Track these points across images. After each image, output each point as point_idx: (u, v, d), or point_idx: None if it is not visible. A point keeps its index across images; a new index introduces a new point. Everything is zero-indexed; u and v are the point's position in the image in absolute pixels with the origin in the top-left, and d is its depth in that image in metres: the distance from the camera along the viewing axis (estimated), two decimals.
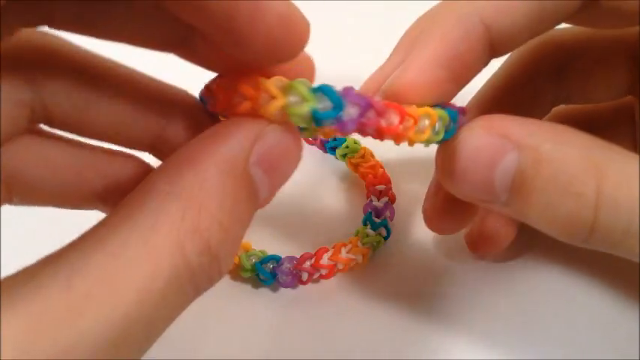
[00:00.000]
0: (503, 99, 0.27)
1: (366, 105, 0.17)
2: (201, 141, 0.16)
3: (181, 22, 0.16)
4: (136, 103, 0.19)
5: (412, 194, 0.31)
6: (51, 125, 0.18)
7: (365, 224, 0.29)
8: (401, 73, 0.20)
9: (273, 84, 0.16)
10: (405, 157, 0.33)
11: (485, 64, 0.22)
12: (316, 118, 0.16)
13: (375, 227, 0.29)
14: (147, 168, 0.20)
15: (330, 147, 0.33)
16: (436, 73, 0.20)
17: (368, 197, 0.31)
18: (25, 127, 0.18)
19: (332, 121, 0.16)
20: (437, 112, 0.19)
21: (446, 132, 0.20)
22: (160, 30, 0.18)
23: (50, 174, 0.18)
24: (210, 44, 0.18)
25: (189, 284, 0.14)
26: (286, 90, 0.16)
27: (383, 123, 0.17)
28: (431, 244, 0.30)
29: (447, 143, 0.20)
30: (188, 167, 0.15)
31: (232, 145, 0.15)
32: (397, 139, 0.18)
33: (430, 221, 0.26)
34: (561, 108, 0.29)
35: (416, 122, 0.18)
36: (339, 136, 0.18)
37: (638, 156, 0.18)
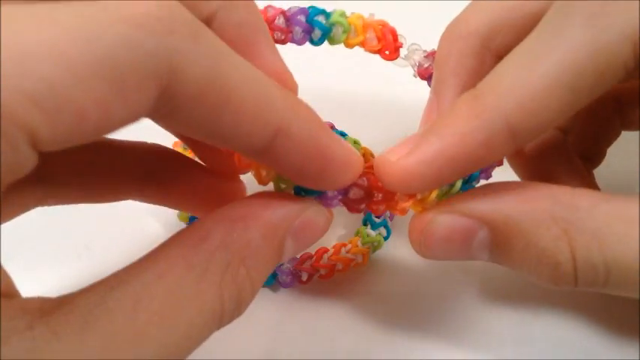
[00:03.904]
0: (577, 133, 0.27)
1: (344, 192, 0.21)
2: (255, 202, 0.18)
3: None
4: (122, 162, 0.21)
5: None
6: (53, 190, 0.20)
7: (365, 224, 0.29)
8: (400, 157, 0.19)
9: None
10: None
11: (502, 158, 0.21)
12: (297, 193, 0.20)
13: (375, 227, 0.29)
14: (175, 155, 0.22)
15: None
16: (440, 170, 0.19)
17: None
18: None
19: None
20: None
21: (465, 183, 0.21)
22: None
23: (87, 175, 0.21)
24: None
25: (217, 323, 0.17)
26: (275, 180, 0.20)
27: (362, 206, 0.21)
28: None
29: (417, 223, 0.21)
30: (240, 224, 0.17)
31: (279, 216, 0.18)
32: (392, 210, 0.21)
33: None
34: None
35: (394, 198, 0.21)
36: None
37: (602, 201, 0.19)
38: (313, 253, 0.28)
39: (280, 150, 0.17)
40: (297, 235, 0.19)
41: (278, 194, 0.19)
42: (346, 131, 0.34)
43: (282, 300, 0.28)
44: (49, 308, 0.14)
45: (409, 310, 0.27)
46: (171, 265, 0.16)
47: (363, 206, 0.21)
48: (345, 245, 0.28)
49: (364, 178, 0.20)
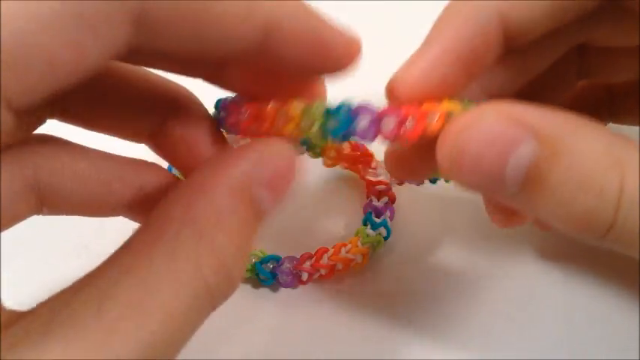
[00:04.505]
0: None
1: (376, 116, 0.18)
2: (210, 166, 0.17)
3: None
4: (139, 95, 0.20)
5: (412, 194, 0.31)
6: (66, 119, 0.20)
7: (365, 224, 0.29)
8: (406, 69, 0.20)
9: (293, 107, 0.18)
10: None
11: (499, 58, 0.21)
12: (326, 133, 0.18)
13: (375, 227, 0.29)
14: (168, 176, 0.21)
15: None
16: (446, 68, 0.19)
17: (368, 197, 0.31)
18: (44, 119, 0.19)
19: (344, 134, 0.18)
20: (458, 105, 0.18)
21: None
22: (196, 63, 0.20)
23: (80, 186, 0.20)
24: (242, 72, 0.20)
25: (207, 301, 0.16)
26: (303, 112, 0.18)
27: (402, 128, 0.18)
28: (431, 244, 0.30)
29: (453, 127, 0.18)
30: (200, 193, 0.16)
31: (238, 171, 0.17)
32: (425, 137, 0.18)
33: (394, 163, 0.24)
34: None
35: (442, 117, 0.18)
36: (366, 142, 0.19)
37: None
38: (313, 253, 0.28)
39: (275, 46, 0.16)
40: (266, 183, 0.17)
41: (236, 149, 0.18)
42: None
43: (282, 300, 0.28)
44: (12, 320, 0.14)
45: (409, 310, 0.27)
46: (135, 257, 0.15)
47: (397, 132, 0.18)
48: (345, 245, 0.28)
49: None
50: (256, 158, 0.17)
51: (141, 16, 0.13)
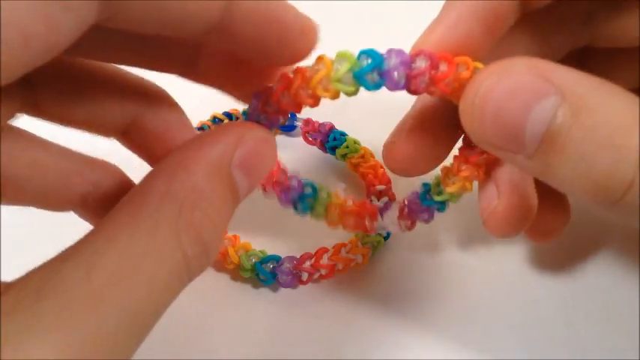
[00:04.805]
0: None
1: (407, 57, 0.19)
2: (191, 146, 0.18)
3: (191, 48, 0.19)
4: (110, 90, 0.21)
5: None
6: (37, 114, 0.20)
7: None
8: (429, 30, 0.20)
9: (325, 56, 0.19)
10: None
11: (519, 15, 0.21)
12: (357, 75, 0.18)
13: None
14: (124, 178, 0.22)
15: (330, 147, 0.33)
16: (469, 27, 0.19)
17: (368, 197, 0.31)
18: (13, 112, 0.19)
19: (374, 75, 0.18)
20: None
21: None
22: (169, 56, 0.20)
23: (38, 176, 0.20)
24: (215, 64, 0.20)
25: (185, 272, 0.16)
26: (336, 56, 0.19)
27: (433, 71, 0.19)
28: (431, 244, 0.30)
29: (479, 79, 0.18)
30: (181, 170, 0.17)
31: (217, 151, 0.17)
32: (454, 88, 0.19)
33: (391, 154, 0.24)
34: None
35: (470, 68, 0.18)
36: (392, 90, 0.19)
37: None
38: (313, 253, 0.28)
39: (233, 25, 0.17)
40: (244, 165, 0.18)
41: (216, 130, 0.19)
42: (346, 131, 0.34)
43: (282, 300, 0.28)
44: (2, 290, 0.14)
45: (409, 311, 0.27)
46: (119, 228, 0.16)
47: (428, 72, 0.19)
48: (345, 245, 0.28)
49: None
50: (233, 140, 0.18)
51: None
